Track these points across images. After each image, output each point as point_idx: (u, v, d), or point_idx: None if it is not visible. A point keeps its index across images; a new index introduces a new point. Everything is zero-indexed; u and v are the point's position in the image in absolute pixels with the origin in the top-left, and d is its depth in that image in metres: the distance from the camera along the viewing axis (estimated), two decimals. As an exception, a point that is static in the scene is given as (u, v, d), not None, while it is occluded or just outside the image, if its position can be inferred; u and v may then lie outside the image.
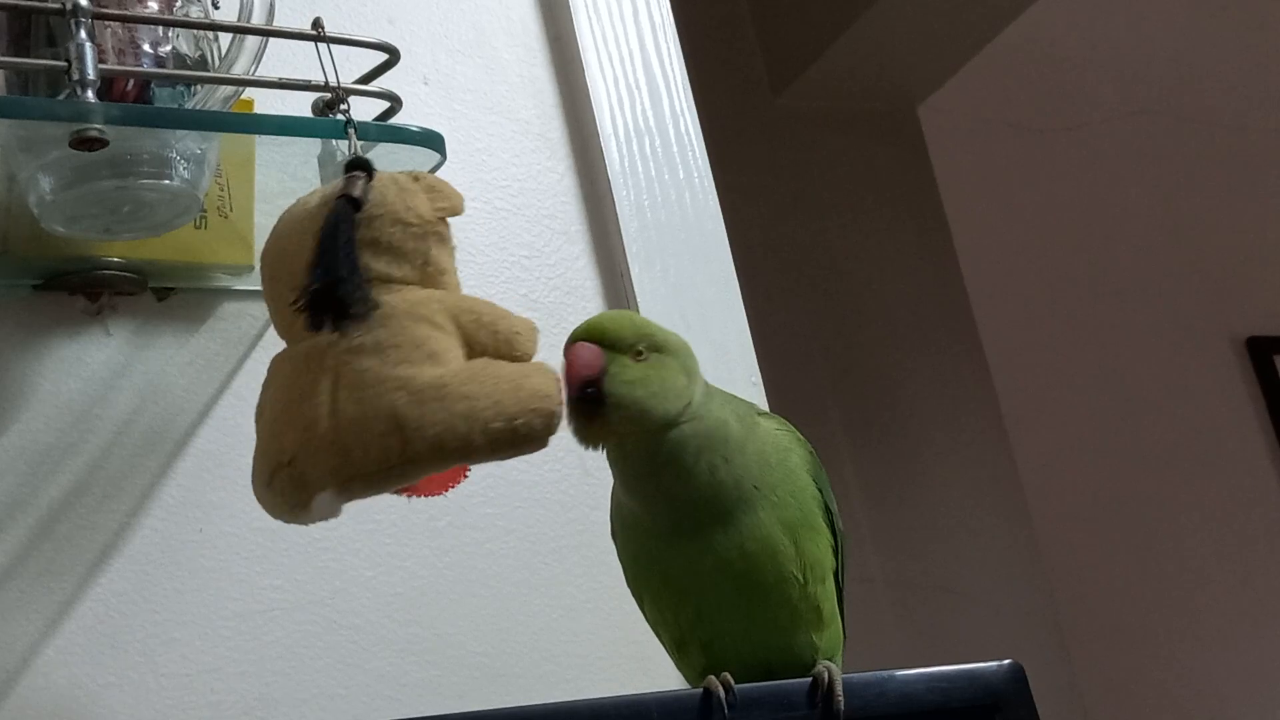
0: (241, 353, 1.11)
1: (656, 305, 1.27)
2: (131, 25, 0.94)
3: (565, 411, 0.88)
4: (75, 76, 0.88)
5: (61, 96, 0.89)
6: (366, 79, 1.04)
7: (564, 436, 0.90)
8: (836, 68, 2.83)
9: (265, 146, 1.04)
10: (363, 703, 1.07)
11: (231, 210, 1.07)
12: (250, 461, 0.87)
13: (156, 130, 0.94)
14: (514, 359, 0.89)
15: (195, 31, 0.99)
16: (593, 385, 0.87)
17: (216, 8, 1.01)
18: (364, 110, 1.01)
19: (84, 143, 0.88)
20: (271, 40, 1.01)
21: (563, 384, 0.87)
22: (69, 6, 0.89)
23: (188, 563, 1.06)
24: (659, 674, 1.12)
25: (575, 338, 0.90)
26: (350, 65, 1.02)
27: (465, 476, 0.93)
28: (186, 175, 0.96)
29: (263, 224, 1.00)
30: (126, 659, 1.02)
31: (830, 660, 0.91)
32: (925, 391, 2.76)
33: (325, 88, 0.98)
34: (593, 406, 0.88)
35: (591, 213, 1.31)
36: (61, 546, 1.02)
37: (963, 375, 2.81)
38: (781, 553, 0.89)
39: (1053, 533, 2.80)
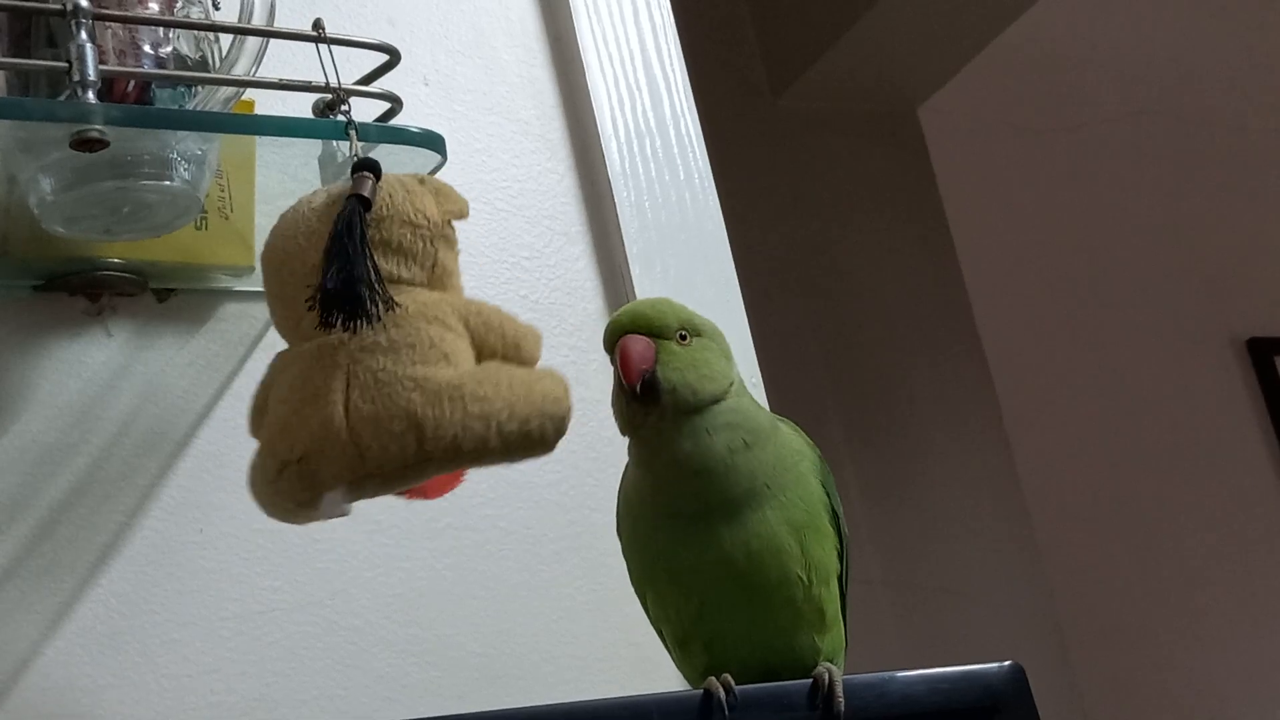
0: (242, 354, 1.11)
1: (657, 306, 1.27)
2: (132, 26, 0.94)
3: (617, 403, 0.92)
4: (76, 77, 0.88)
5: (62, 97, 0.89)
6: (367, 80, 1.04)
7: (566, 438, 0.91)
8: (837, 69, 2.83)
9: (266, 147, 1.04)
10: (362, 703, 1.08)
11: (232, 211, 1.07)
12: (250, 462, 0.87)
13: (157, 131, 0.94)
14: (521, 363, 0.90)
15: (196, 32, 0.99)
16: (650, 375, 0.89)
17: (217, 9, 1.01)
18: (364, 111, 1.01)
19: (84, 144, 0.88)
20: (272, 41, 1.01)
21: (622, 375, 0.90)
22: (70, 7, 0.89)
23: (188, 563, 1.06)
24: (659, 675, 1.12)
25: (621, 329, 0.91)
26: (350, 66, 1.02)
27: (462, 479, 0.93)
28: (187, 176, 0.96)
29: (263, 225, 1.00)
30: (126, 659, 1.02)
31: (831, 663, 0.91)
32: (925, 392, 2.76)
33: (326, 89, 0.98)
34: (650, 397, 0.89)
35: (592, 213, 1.31)
36: (62, 547, 1.02)
37: (963, 376, 2.81)
38: (786, 553, 0.89)
39: (1053, 533, 2.80)
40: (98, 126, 0.88)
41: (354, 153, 0.95)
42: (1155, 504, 3.03)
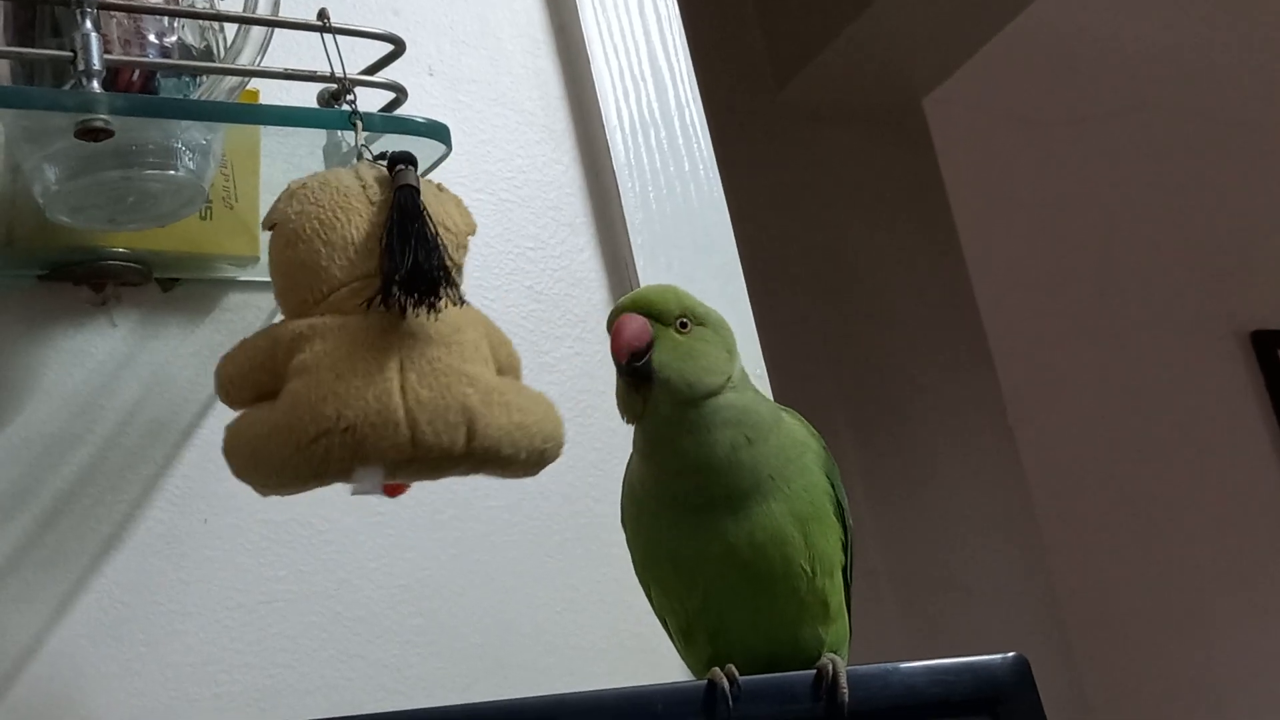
0: (246, 344, 1.11)
1: (661, 297, 1.27)
2: (137, 15, 0.94)
3: (619, 390, 0.91)
4: (80, 67, 0.88)
5: (67, 87, 0.89)
6: (372, 70, 1.04)
7: (570, 429, 0.91)
8: (841, 61, 2.82)
9: (270, 137, 1.04)
10: (366, 694, 1.08)
11: (237, 201, 1.07)
12: (242, 427, 0.87)
13: (162, 121, 0.93)
14: None
15: (201, 22, 0.99)
16: (640, 358, 0.89)
17: (221, -1, 1.01)
18: (369, 101, 1.01)
19: (89, 133, 0.88)
20: (277, 31, 1.01)
21: (612, 350, 0.89)
22: (74, -4, 0.89)
23: (192, 554, 1.06)
24: (663, 666, 1.12)
25: (621, 309, 0.91)
26: (355, 56, 1.02)
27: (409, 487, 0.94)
28: (191, 166, 0.96)
29: (268, 215, 1.00)
30: (130, 649, 1.02)
31: (836, 654, 0.91)
32: (930, 385, 2.76)
33: (331, 78, 0.98)
34: (640, 378, 0.89)
35: (596, 204, 1.31)
36: (66, 537, 1.02)
37: (967, 368, 2.81)
38: (791, 544, 0.89)
39: (1056, 526, 2.80)
40: (102, 116, 0.88)
41: (359, 142, 0.95)
42: (1159, 497, 3.03)
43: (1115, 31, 3.39)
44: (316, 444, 0.82)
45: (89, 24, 0.89)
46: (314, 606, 1.08)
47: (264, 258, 1.07)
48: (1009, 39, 2.90)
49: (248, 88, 1.06)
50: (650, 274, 1.27)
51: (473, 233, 0.93)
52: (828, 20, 2.79)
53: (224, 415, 1.09)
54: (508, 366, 0.91)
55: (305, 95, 1.05)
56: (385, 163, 0.91)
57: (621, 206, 1.29)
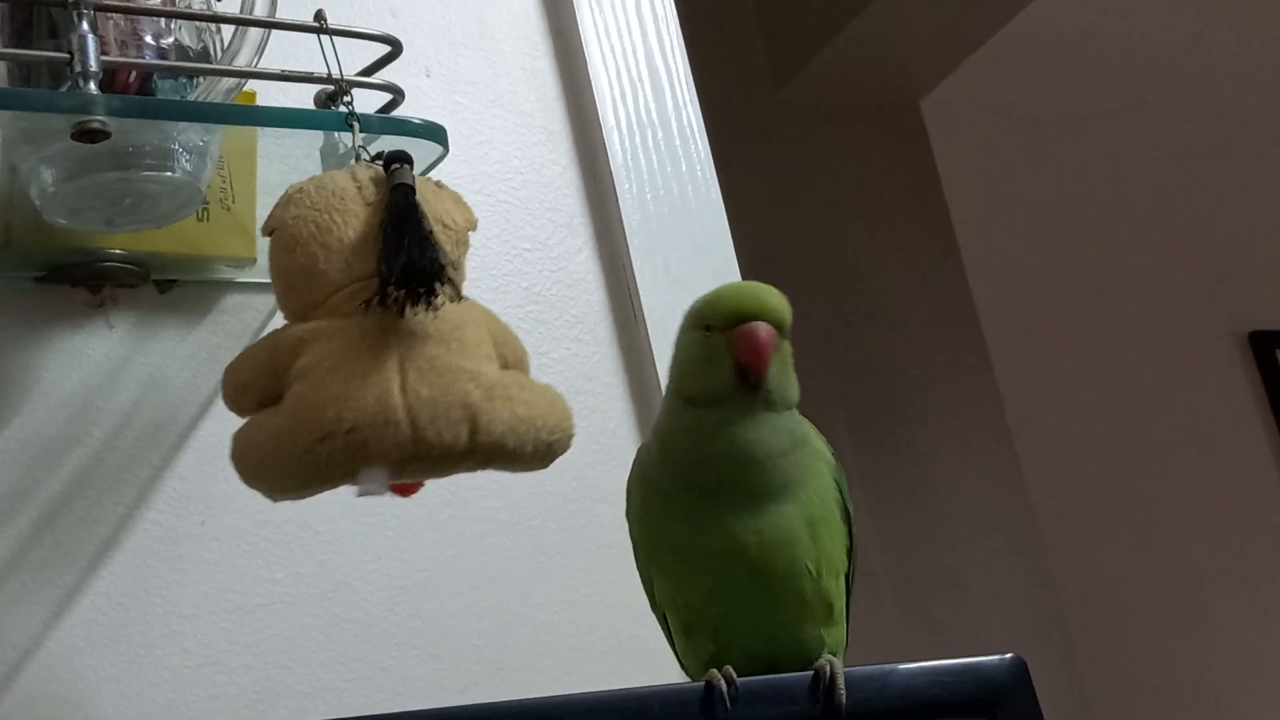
0: (244, 345, 1.11)
1: (659, 298, 1.27)
2: (134, 17, 0.94)
3: (704, 372, 0.91)
4: (77, 68, 0.88)
5: (64, 88, 0.89)
6: (369, 71, 1.04)
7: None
8: (839, 60, 2.82)
9: (267, 139, 1.04)
10: (364, 696, 1.08)
11: (234, 202, 1.07)
12: (245, 434, 0.87)
13: (159, 122, 0.93)
14: None
15: (197, 23, 0.99)
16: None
17: None
18: (366, 102, 1.01)
19: (86, 135, 0.88)
20: (274, 32, 1.01)
21: (752, 361, 0.90)
22: (71, -2, 0.89)
23: (189, 556, 1.06)
24: (660, 667, 1.12)
25: (753, 313, 0.91)
26: (352, 57, 1.02)
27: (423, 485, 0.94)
28: (189, 167, 0.96)
29: (265, 217, 0.99)
30: (128, 651, 1.02)
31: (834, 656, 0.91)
32: (928, 386, 2.76)
33: (328, 80, 0.98)
34: (757, 387, 0.90)
35: (594, 205, 1.31)
36: (63, 539, 1.02)
37: (966, 368, 2.81)
38: (799, 544, 0.89)
39: (1055, 526, 2.80)
40: (99, 117, 0.88)
41: (356, 144, 0.95)
42: (1157, 498, 3.03)
43: (1114, 30, 3.39)
44: (319, 447, 0.82)
45: (86, 25, 0.89)
46: (312, 608, 1.08)
47: (261, 259, 1.07)
48: (1007, 38, 2.90)
49: (245, 89, 1.06)
50: (647, 274, 1.27)
51: (473, 228, 0.93)
52: (826, 19, 2.79)
53: (222, 417, 1.09)
54: (514, 361, 0.91)
55: (302, 97, 1.05)
56: (381, 163, 0.91)
57: (619, 207, 1.29)
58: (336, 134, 0.99)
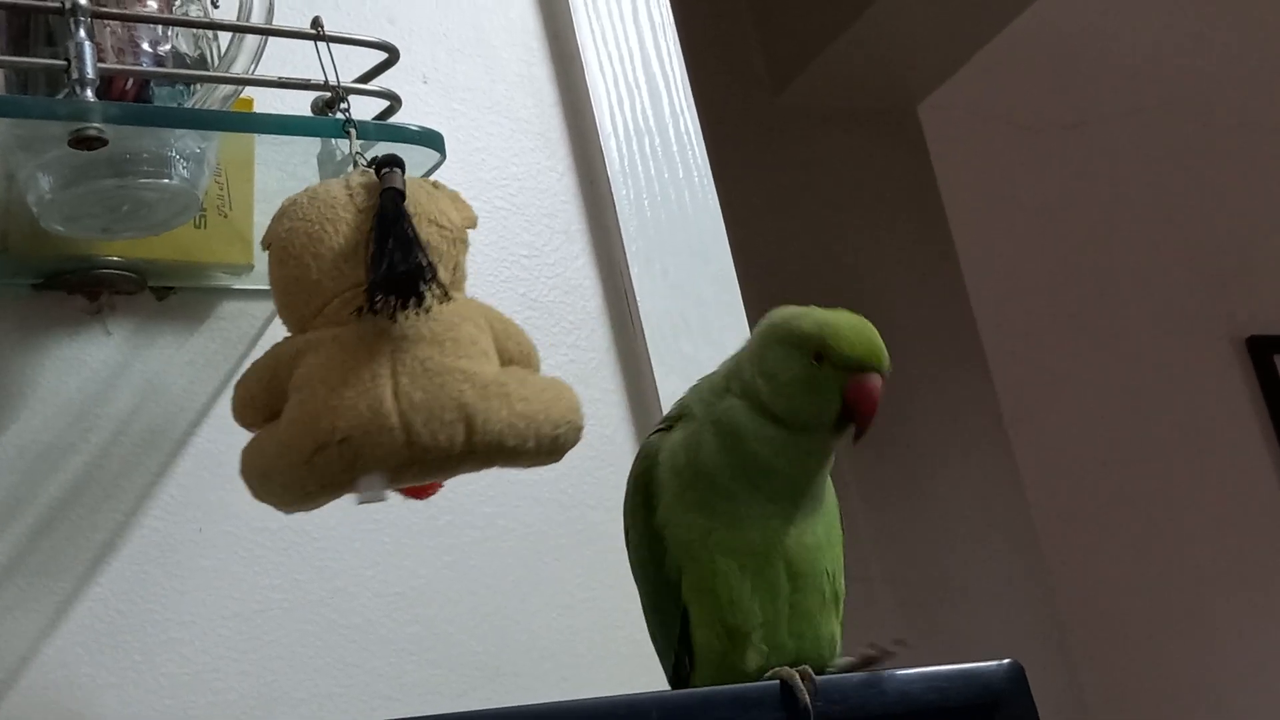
0: (241, 352, 1.11)
1: (656, 304, 1.27)
2: (131, 24, 0.94)
3: (805, 398, 0.91)
4: (74, 75, 0.88)
5: (61, 95, 0.89)
6: (366, 78, 1.04)
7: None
8: (837, 66, 2.82)
9: (265, 145, 1.04)
10: (362, 702, 1.08)
11: (231, 209, 1.07)
12: (253, 447, 0.87)
13: (156, 129, 0.94)
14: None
15: (194, 30, 0.99)
16: None
17: (216, 6, 1.01)
18: (363, 109, 1.01)
19: (83, 142, 0.88)
20: (271, 39, 1.01)
21: (865, 413, 0.91)
22: (68, 6, 0.89)
23: (187, 562, 1.06)
24: (658, 673, 1.12)
25: (867, 365, 0.92)
26: (350, 64, 1.02)
27: (442, 485, 0.94)
28: (186, 174, 0.96)
29: (262, 223, 0.99)
30: (125, 658, 1.02)
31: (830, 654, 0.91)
32: (926, 390, 2.76)
33: (325, 87, 0.98)
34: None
35: (591, 212, 1.31)
36: (61, 546, 1.02)
37: (963, 373, 2.81)
38: (821, 549, 0.92)
39: (1053, 531, 2.80)
40: (96, 124, 0.88)
41: (353, 150, 0.95)
42: (1155, 502, 3.03)
43: (1112, 34, 3.39)
44: (317, 458, 0.82)
45: (83, 33, 0.89)
46: (309, 614, 1.08)
47: (258, 266, 1.07)
48: (1005, 43, 2.90)
49: (242, 96, 1.06)
50: (645, 281, 1.27)
51: (472, 225, 0.93)
52: (824, 24, 2.80)
53: (219, 424, 1.09)
54: (519, 356, 0.91)
55: (300, 103, 1.05)
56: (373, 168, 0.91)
57: (616, 213, 1.29)
58: (334, 141, 0.99)
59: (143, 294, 1.09)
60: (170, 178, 0.95)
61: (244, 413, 0.89)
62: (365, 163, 0.93)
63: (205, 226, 1.06)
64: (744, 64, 2.89)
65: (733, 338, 1.30)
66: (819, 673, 0.87)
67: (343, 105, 0.98)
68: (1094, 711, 2.69)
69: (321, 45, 0.98)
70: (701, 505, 0.92)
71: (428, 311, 0.85)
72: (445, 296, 0.86)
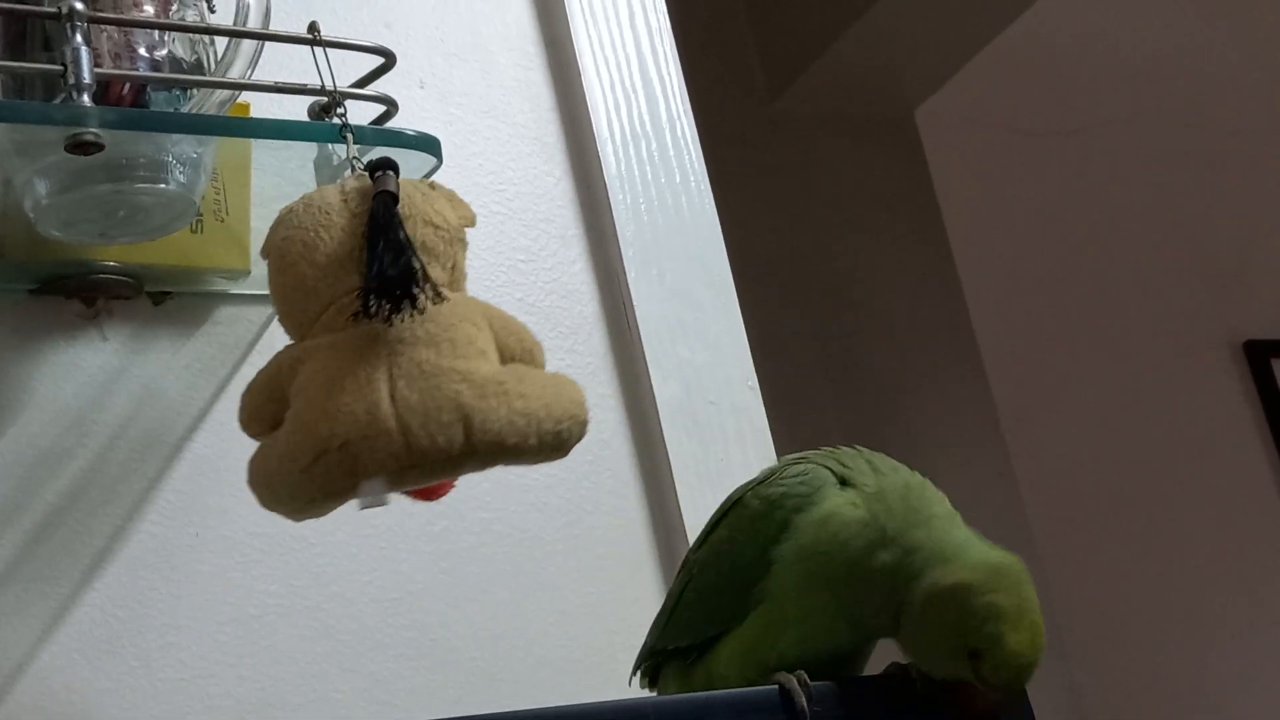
0: (238, 357, 1.11)
1: (653, 309, 1.27)
2: (127, 29, 0.94)
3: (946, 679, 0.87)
4: (71, 80, 0.88)
5: (57, 100, 0.89)
6: (363, 83, 1.04)
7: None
8: (833, 71, 2.83)
9: (261, 150, 1.04)
10: (359, 707, 1.07)
11: (228, 214, 1.07)
12: (246, 464, 0.87)
13: (152, 134, 0.93)
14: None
15: (191, 35, 0.99)
16: None
17: (213, 11, 1.01)
18: (360, 114, 1.01)
19: (80, 147, 0.88)
20: (268, 44, 1.01)
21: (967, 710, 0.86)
22: (64, 11, 0.89)
23: (184, 567, 1.06)
24: (656, 678, 1.13)
25: (1016, 688, 0.85)
26: (346, 69, 1.02)
27: (454, 484, 0.94)
28: (182, 179, 0.96)
29: (259, 228, 1.00)
30: (122, 663, 1.02)
31: None
32: (923, 395, 2.76)
33: (321, 91, 0.98)
34: None
35: (588, 217, 1.31)
36: (57, 551, 1.02)
37: (960, 378, 2.81)
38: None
39: (1050, 535, 2.80)
40: (93, 129, 0.88)
41: (350, 155, 0.95)
42: (1152, 506, 3.04)
43: (1109, 40, 3.39)
44: (316, 466, 0.82)
45: (79, 38, 0.89)
46: (306, 619, 1.08)
47: (255, 271, 1.07)
48: (1001, 48, 2.90)
49: (239, 101, 1.06)
50: (642, 286, 1.27)
51: (470, 224, 0.92)
52: (820, 31, 2.80)
53: (217, 429, 1.09)
54: (521, 353, 0.90)
55: (296, 108, 1.05)
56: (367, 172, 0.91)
57: (613, 218, 1.29)
58: (331, 145, 0.99)
59: (139, 299, 1.09)
60: (167, 182, 0.95)
61: (250, 423, 0.89)
62: (362, 167, 0.93)
63: (202, 231, 1.06)
64: (741, 69, 2.90)
65: (730, 343, 1.30)
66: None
67: (339, 110, 0.98)
68: (1091, 713, 2.69)
69: (318, 50, 0.98)
70: (816, 581, 0.90)
71: (421, 313, 0.85)
72: (439, 297, 0.86)
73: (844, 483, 0.92)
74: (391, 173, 0.89)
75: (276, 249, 0.89)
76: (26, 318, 1.06)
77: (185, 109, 0.98)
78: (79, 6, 0.89)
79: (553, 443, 0.87)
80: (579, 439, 0.89)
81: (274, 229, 0.90)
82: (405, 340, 0.85)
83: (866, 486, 0.92)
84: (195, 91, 0.98)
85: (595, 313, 1.28)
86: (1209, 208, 3.38)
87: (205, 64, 1.00)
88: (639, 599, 1.19)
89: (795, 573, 0.90)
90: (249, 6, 1.00)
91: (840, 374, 2.71)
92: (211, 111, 0.99)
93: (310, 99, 1.00)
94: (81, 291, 1.07)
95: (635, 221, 1.30)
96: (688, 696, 0.87)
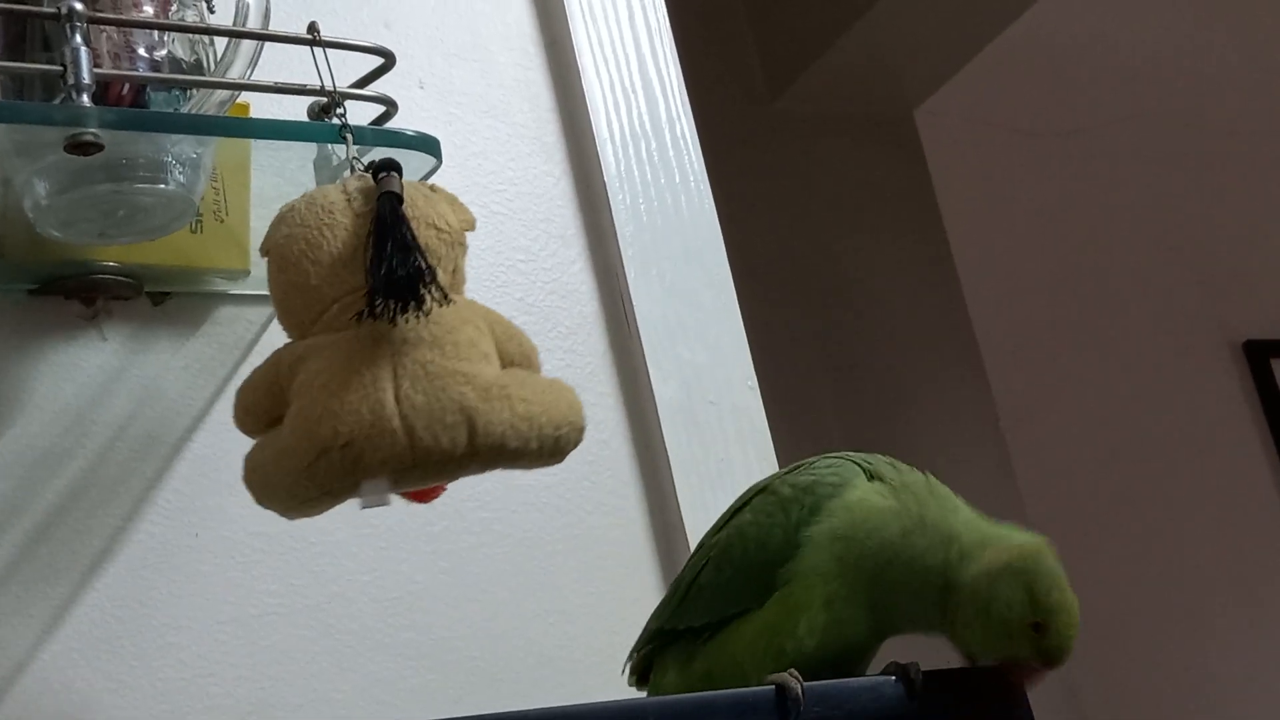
0: (237, 357, 1.11)
1: (652, 309, 1.27)
2: (127, 30, 0.94)
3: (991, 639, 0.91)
4: (70, 81, 0.88)
5: (57, 101, 0.89)
6: (362, 83, 1.04)
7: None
8: (833, 71, 2.83)
9: (261, 150, 1.04)
10: (359, 706, 1.07)
11: (227, 214, 1.07)
12: (254, 455, 0.87)
13: (152, 134, 0.94)
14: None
15: (190, 36, 0.99)
16: None
17: (212, 12, 1.01)
18: (360, 114, 1.01)
19: (79, 147, 0.88)
20: (267, 44, 1.01)
21: (1013, 680, 0.92)
22: (64, 11, 0.89)
23: (184, 567, 1.06)
24: (655, 678, 1.13)
25: (1054, 661, 0.91)
26: (346, 69, 1.02)
27: (445, 489, 0.94)
28: (182, 179, 0.96)
29: (259, 228, 1.00)
30: (122, 663, 1.02)
31: None
32: (923, 395, 2.76)
33: (321, 92, 0.98)
34: None
35: (587, 216, 1.31)
36: (57, 551, 1.02)
37: (960, 378, 2.81)
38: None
39: (1049, 532, 2.78)
40: (92, 130, 0.88)
41: (350, 156, 0.95)
42: (1152, 505, 3.04)
43: (1109, 42, 3.39)
44: (318, 464, 0.82)
45: (79, 38, 0.89)
46: (306, 619, 1.08)
47: (255, 271, 1.07)
48: (1001, 48, 2.90)
49: (238, 101, 1.06)
50: (641, 285, 1.27)
51: (470, 228, 0.93)
52: (820, 31, 2.80)
53: (216, 429, 1.09)
54: (520, 358, 0.91)
55: (296, 108, 1.05)
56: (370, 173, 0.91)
57: (612, 218, 1.29)
58: (330, 146, 0.99)
59: (139, 299, 1.09)
60: (166, 183, 0.95)
61: (245, 420, 0.89)
62: (362, 168, 0.93)
63: (201, 231, 1.06)
64: (740, 69, 2.90)
65: (730, 343, 1.30)
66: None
67: (339, 110, 0.98)
68: (1091, 713, 2.69)
69: (318, 50, 0.98)
70: (846, 565, 0.92)
71: (427, 315, 0.85)
72: (445, 300, 0.86)
73: (870, 476, 0.95)
74: (396, 174, 0.89)
75: (278, 246, 0.89)
76: (26, 318, 1.06)
77: (185, 109, 0.98)
78: (78, 7, 0.89)
79: (552, 448, 0.88)
80: (575, 445, 0.90)
81: (275, 226, 0.90)
82: (409, 341, 0.85)
83: (892, 480, 0.95)
84: (195, 92, 0.98)
85: (594, 312, 1.28)
86: (1209, 208, 3.38)
87: (205, 64, 1.00)
88: (639, 599, 1.19)
89: (826, 554, 0.91)
90: (248, 7, 1.00)
91: (840, 373, 2.71)
92: (211, 112, 0.99)
93: (310, 99, 1.00)
94: (81, 292, 1.07)
95: (635, 221, 1.30)
96: (688, 696, 0.87)
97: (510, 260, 1.25)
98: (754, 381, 1.29)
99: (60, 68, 0.88)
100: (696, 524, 1.20)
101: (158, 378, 1.09)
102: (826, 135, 2.89)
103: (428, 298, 0.85)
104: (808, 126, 2.88)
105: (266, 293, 0.91)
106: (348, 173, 0.94)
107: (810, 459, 0.98)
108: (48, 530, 1.02)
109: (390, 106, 1.03)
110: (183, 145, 0.96)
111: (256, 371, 0.89)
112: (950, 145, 3.02)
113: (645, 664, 0.99)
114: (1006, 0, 2.78)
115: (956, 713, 0.91)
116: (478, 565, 1.15)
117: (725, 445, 1.26)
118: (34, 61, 0.93)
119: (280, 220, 0.90)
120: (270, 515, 0.88)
